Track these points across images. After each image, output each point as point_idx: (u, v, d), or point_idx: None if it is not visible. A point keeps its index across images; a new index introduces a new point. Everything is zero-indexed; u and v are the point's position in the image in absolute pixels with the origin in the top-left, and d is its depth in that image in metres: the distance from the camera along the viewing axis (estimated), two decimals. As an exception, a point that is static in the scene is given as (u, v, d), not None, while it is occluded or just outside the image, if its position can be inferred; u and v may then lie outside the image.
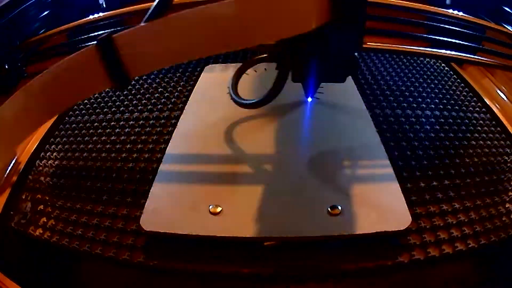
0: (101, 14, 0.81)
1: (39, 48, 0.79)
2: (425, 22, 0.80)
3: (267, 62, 0.60)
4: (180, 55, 0.38)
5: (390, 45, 0.72)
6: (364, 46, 0.68)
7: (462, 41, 0.72)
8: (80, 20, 0.78)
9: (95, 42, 0.35)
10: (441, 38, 0.73)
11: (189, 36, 0.36)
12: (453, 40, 0.70)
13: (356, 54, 0.51)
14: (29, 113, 0.39)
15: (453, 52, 0.69)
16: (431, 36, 0.79)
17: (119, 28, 0.67)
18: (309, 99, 0.72)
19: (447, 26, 0.78)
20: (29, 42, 0.75)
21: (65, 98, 0.39)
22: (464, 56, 0.69)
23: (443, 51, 0.74)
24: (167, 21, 0.35)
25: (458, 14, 0.78)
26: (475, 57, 0.71)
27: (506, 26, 0.80)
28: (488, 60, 0.70)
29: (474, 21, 0.73)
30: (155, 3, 0.36)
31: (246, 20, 0.36)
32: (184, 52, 0.37)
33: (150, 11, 0.36)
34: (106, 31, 0.70)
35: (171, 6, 0.37)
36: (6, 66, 0.70)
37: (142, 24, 0.35)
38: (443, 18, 0.76)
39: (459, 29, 0.76)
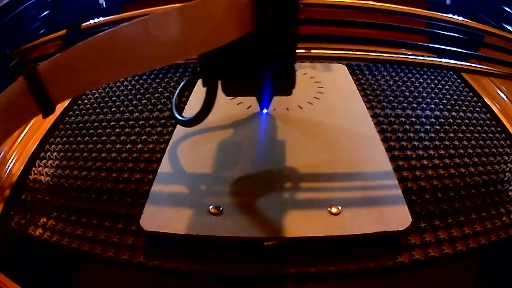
0: (100, 19, 0.81)
1: (30, 57, 0.77)
2: (424, 28, 0.80)
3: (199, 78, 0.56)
4: (96, 81, 0.39)
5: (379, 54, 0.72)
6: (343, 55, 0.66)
7: (461, 48, 0.72)
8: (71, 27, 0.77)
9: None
10: (440, 46, 0.73)
11: (103, 60, 0.36)
12: (452, 48, 0.70)
13: (293, 66, 0.47)
14: None
15: (452, 61, 0.69)
16: (429, 45, 0.79)
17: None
18: (264, 111, 0.70)
19: (446, 33, 0.78)
20: (20, 51, 0.73)
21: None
22: (462, 65, 0.69)
23: (441, 60, 0.74)
24: (80, 47, 0.35)
25: (458, 19, 0.78)
26: (473, 65, 0.71)
27: (506, 25, 0.80)
28: (488, 68, 0.70)
29: (475, 26, 0.73)
30: (67, 30, 0.36)
31: (159, 37, 0.35)
32: (100, 77, 0.38)
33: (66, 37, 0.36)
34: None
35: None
36: None
37: (60, 52, 0.36)
38: (442, 24, 0.76)
39: (458, 35, 0.75)
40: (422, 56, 0.77)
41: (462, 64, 0.70)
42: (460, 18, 0.76)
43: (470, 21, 0.70)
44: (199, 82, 0.83)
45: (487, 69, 0.71)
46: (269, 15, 0.39)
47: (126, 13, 0.71)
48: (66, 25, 0.73)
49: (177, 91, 0.60)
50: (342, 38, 0.70)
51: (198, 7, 0.35)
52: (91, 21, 0.72)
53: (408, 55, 0.77)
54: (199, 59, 0.46)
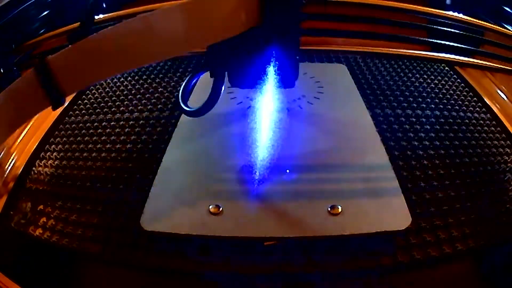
0: (100, 16, 0.81)
1: (35, 52, 0.78)
2: (425, 25, 0.80)
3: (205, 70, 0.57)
4: (105, 73, 0.41)
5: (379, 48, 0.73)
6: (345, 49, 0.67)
7: (461, 43, 0.72)
8: (75, 24, 0.78)
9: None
10: (441, 42, 0.74)
11: (112, 53, 0.38)
12: (453, 44, 0.70)
13: (296, 59, 0.49)
14: None
15: (452, 56, 0.70)
16: (431, 40, 0.79)
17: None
18: (268, 104, 0.66)
19: (447, 29, 0.78)
20: (24, 46, 0.75)
21: (9, 123, 0.41)
22: (463, 59, 0.70)
23: (442, 54, 0.74)
24: (89, 40, 0.37)
25: (458, 16, 0.79)
26: (474, 60, 0.71)
27: (506, 26, 0.80)
28: (487, 63, 0.71)
29: (475, 23, 0.73)
30: (79, 24, 0.37)
31: (167, 30, 0.37)
32: (109, 69, 0.40)
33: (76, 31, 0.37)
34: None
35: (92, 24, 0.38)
36: (1, 70, 0.70)
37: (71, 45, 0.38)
38: (442, 20, 0.76)
39: (459, 31, 0.76)
40: (418, 51, 0.77)
41: (456, 58, 0.70)
42: (461, 15, 0.76)
43: (471, 18, 0.71)
44: (199, 83, 0.83)
45: (483, 63, 0.71)
46: (274, 9, 0.40)
47: (130, 9, 0.72)
48: (67, 23, 0.74)
49: (184, 82, 0.60)
50: (344, 33, 0.70)
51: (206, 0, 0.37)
52: (96, 17, 0.72)
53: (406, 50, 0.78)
54: (207, 50, 0.48)
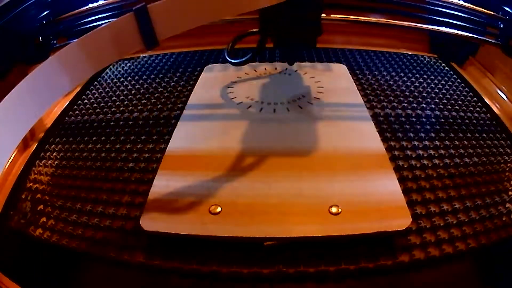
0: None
1: (67, 26, 0.86)
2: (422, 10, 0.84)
3: (255, 34, 0.74)
4: (196, 20, 0.49)
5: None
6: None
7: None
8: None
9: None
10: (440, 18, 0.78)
11: (200, 4, 0.48)
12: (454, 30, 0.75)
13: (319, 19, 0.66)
14: (79, 64, 0.48)
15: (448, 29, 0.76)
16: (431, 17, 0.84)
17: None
18: (292, 65, 0.84)
19: (447, 19, 0.81)
20: (60, 19, 0.84)
21: (105, 55, 0.49)
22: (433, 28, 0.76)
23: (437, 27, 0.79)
24: None
25: (459, 2, 0.81)
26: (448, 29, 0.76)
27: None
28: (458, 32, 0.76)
29: (476, 10, 0.77)
30: None
31: None
32: (198, 17, 0.49)
33: None
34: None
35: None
36: (40, 39, 0.79)
37: None
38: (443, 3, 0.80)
39: (462, 14, 0.79)
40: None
41: (433, 28, 0.76)
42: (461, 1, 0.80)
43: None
44: (199, 82, 0.85)
45: (459, 33, 0.76)
46: None
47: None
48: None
49: (232, 41, 0.77)
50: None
51: None
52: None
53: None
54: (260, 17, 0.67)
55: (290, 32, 0.68)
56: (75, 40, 0.47)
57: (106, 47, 0.48)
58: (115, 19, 0.47)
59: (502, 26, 0.78)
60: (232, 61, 0.75)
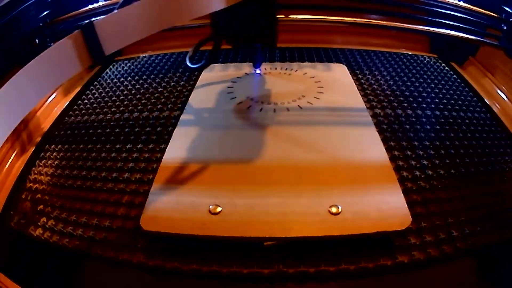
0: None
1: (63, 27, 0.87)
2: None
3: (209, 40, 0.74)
4: (139, 33, 0.50)
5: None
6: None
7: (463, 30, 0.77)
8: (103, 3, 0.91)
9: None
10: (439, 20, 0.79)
11: (144, 17, 0.49)
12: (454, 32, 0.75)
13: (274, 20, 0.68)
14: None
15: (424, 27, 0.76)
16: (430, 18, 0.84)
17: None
18: (257, 71, 0.85)
19: (447, 21, 0.81)
20: (56, 21, 0.86)
21: (53, 79, 0.49)
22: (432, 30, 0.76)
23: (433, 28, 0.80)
24: (129, 8, 0.47)
25: (459, 3, 0.82)
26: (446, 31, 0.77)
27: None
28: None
29: (477, 11, 0.77)
30: None
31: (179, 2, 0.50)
32: (142, 30, 0.49)
33: (120, 2, 0.49)
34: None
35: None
36: (37, 41, 0.80)
37: (114, 12, 0.48)
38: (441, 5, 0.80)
39: (461, 15, 0.79)
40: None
41: (434, 30, 0.76)
42: (461, 2, 0.80)
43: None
44: (199, 82, 0.86)
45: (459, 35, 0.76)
46: None
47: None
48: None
49: (193, 48, 0.77)
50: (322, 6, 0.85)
51: None
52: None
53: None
54: (211, 21, 0.68)
55: (243, 34, 0.69)
56: (36, 57, 0.47)
57: (58, 65, 0.48)
58: (66, 37, 0.47)
59: (506, 28, 0.77)
60: (191, 66, 0.77)
